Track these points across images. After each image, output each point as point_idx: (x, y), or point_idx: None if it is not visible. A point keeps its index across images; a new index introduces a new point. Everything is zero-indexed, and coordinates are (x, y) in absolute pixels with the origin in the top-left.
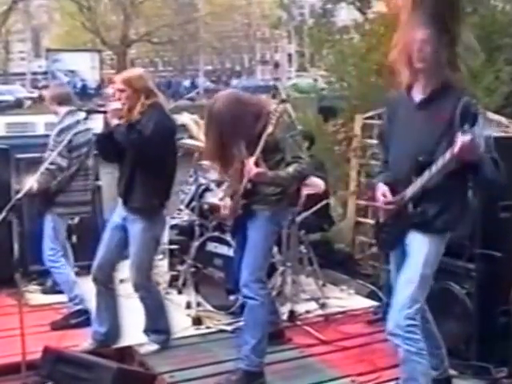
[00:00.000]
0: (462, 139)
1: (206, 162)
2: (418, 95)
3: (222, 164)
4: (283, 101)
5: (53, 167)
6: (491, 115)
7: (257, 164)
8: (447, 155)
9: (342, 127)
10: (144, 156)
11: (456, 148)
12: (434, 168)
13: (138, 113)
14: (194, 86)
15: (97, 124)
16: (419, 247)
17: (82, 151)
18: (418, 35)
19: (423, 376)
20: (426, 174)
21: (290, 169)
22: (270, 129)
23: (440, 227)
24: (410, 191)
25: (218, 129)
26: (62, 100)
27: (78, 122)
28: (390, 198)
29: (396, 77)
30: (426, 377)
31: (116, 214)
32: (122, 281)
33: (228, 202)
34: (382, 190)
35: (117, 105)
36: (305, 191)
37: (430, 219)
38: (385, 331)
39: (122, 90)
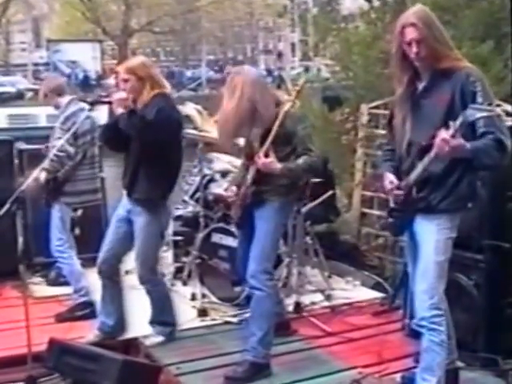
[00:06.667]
0: (440, 136)
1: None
2: (420, 83)
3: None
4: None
5: (62, 154)
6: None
7: (266, 155)
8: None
9: (349, 116)
10: (145, 141)
11: (435, 146)
12: (432, 153)
13: (143, 100)
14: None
15: (101, 114)
16: (428, 236)
17: (87, 138)
18: (408, 36)
19: (440, 367)
20: (426, 159)
21: (300, 160)
22: (287, 107)
23: (444, 208)
24: (413, 176)
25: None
26: (61, 91)
27: (81, 110)
28: (396, 183)
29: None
30: (442, 368)
31: (121, 206)
32: (127, 272)
33: (234, 189)
34: (389, 178)
35: (122, 94)
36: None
37: (434, 203)
38: (391, 322)
39: (126, 80)
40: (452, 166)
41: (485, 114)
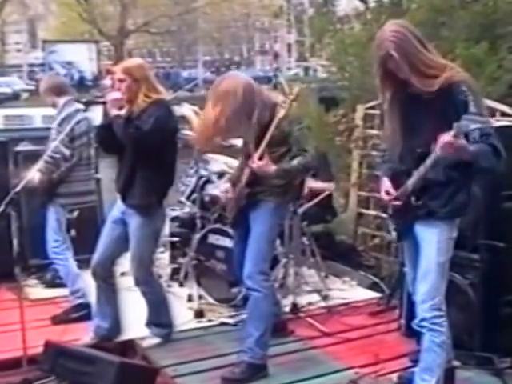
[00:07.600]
0: (442, 138)
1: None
2: (413, 88)
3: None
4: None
5: (57, 156)
6: (494, 104)
7: (261, 158)
8: (434, 152)
9: (343, 118)
10: (141, 151)
11: (437, 147)
12: (428, 161)
13: (139, 105)
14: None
15: (96, 115)
16: (429, 238)
17: (84, 140)
18: (386, 63)
19: (439, 368)
20: (422, 168)
21: (295, 161)
22: (281, 113)
23: (445, 216)
24: (410, 184)
25: (228, 111)
26: (59, 90)
27: (77, 111)
28: (393, 194)
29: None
30: (442, 369)
31: (115, 208)
32: (122, 274)
33: (229, 187)
34: (385, 187)
35: (116, 94)
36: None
37: (434, 211)
38: (387, 322)
39: (121, 80)
40: (450, 176)
41: (479, 125)
